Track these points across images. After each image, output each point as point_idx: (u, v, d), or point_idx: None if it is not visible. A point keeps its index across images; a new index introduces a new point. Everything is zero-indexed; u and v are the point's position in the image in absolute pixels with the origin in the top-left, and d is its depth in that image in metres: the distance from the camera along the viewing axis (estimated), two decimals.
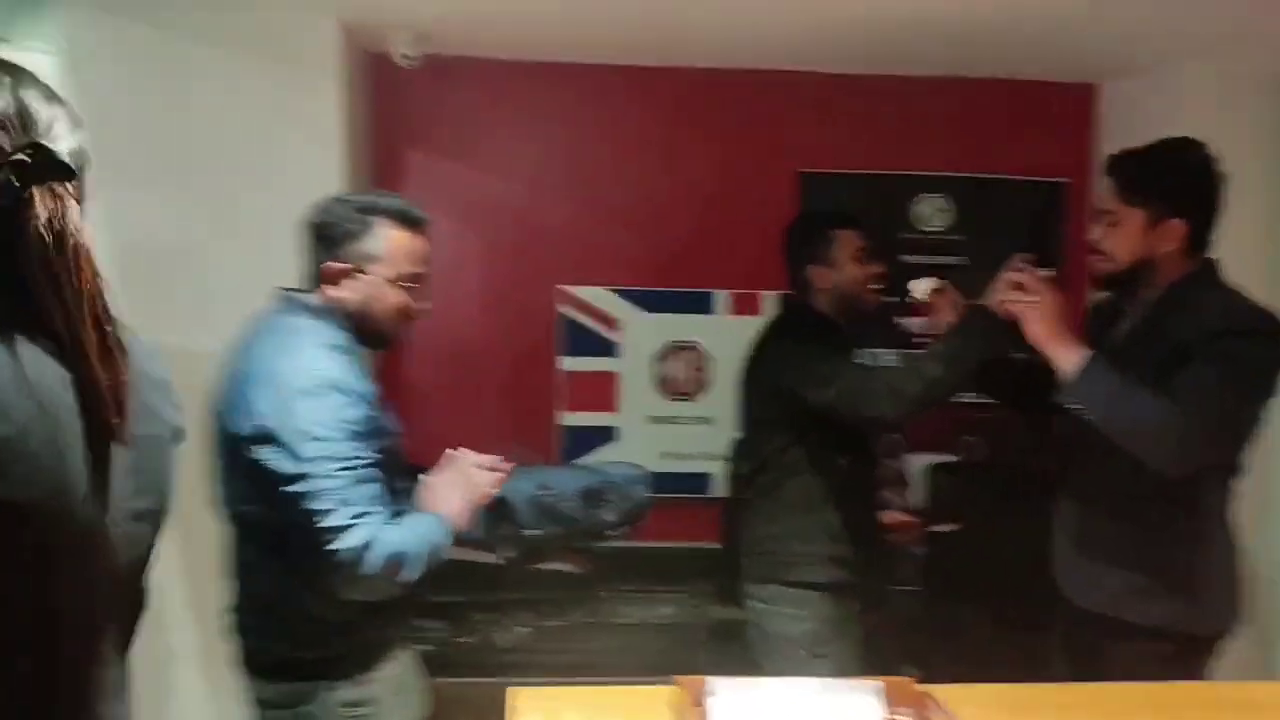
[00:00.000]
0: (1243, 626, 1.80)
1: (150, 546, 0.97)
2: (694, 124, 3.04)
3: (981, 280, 1.91)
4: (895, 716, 1.41)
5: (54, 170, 0.83)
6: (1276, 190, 2.77)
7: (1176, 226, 1.73)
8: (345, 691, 1.62)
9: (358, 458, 1.53)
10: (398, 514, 1.61)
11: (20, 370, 0.79)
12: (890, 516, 2.40)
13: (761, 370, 2.21)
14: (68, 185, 0.83)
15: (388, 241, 1.63)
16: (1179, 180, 1.74)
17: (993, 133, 3.09)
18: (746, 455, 2.26)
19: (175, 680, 2.67)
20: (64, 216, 0.81)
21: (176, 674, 2.67)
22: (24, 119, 0.84)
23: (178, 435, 1.02)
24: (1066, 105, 3.11)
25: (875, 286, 2.22)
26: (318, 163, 2.60)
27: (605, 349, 3.03)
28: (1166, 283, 1.77)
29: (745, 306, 3.01)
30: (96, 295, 0.83)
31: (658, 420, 3.06)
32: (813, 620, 2.09)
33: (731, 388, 2.37)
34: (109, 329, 0.84)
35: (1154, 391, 1.64)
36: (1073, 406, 1.69)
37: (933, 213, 3.11)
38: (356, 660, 1.64)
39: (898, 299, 2.28)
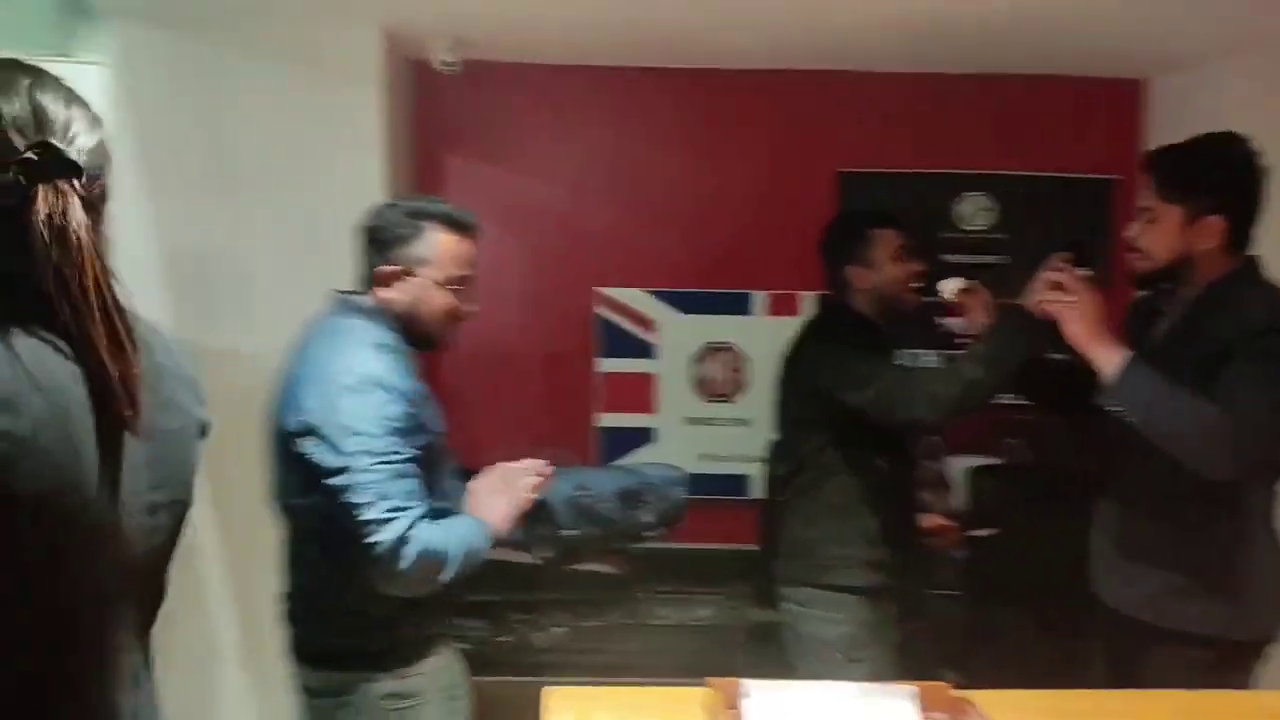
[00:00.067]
0: None
1: (170, 538, 0.99)
2: (732, 125, 3.03)
3: (1024, 280, 1.88)
4: None
5: (61, 168, 0.85)
6: None
7: (1216, 223, 1.69)
8: (386, 684, 1.66)
9: (396, 453, 1.56)
10: (440, 514, 1.64)
11: (25, 366, 0.81)
12: (928, 520, 2.37)
13: (798, 371, 2.20)
14: (74, 183, 0.85)
15: (436, 245, 1.69)
16: (1218, 176, 1.70)
17: (1037, 130, 3.03)
18: (783, 456, 2.25)
19: (220, 675, 2.73)
20: (66, 213, 0.83)
21: (221, 669, 2.73)
22: (38, 120, 0.86)
23: (202, 430, 1.04)
24: (1114, 101, 3.05)
25: (915, 286, 2.19)
26: (360, 169, 2.65)
27: (643, 350, 3.03)
28: (1206, 281, 1.73)
29: (783, 307, 2.99)
30: (104, 290, 0.85)
31: (695, 422, 3.06)
32: (848, 624, 2.07)
33: (769, 389, 2.37)
34: (118, 323, 0.85)
35: (1196, 393, 1.60)
36: (1113, 409, 1.65)
37: (975, 212, 3.07)
38: (398, 654, 1.68)
39: (936, 299, 2.25)
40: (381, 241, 1.71)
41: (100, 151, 0.92)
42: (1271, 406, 1.58)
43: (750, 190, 3.03)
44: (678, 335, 3.03)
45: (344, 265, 2.61)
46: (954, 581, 2.68)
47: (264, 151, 2.64)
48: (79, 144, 0.89)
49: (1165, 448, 1.62)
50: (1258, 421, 1.57)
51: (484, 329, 2.88)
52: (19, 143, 0.84)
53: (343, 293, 1.76)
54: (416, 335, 1.72)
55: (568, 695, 1.53)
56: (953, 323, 2.81)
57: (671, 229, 3.04)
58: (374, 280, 1.71)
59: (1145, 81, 3.06)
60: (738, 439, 3.01)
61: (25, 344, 0.82)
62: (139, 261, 2.63)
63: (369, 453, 1.54)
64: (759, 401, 2.87)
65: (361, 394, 1.57)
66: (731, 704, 1.42)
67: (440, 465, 1.72)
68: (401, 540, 1.52)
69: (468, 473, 1.89)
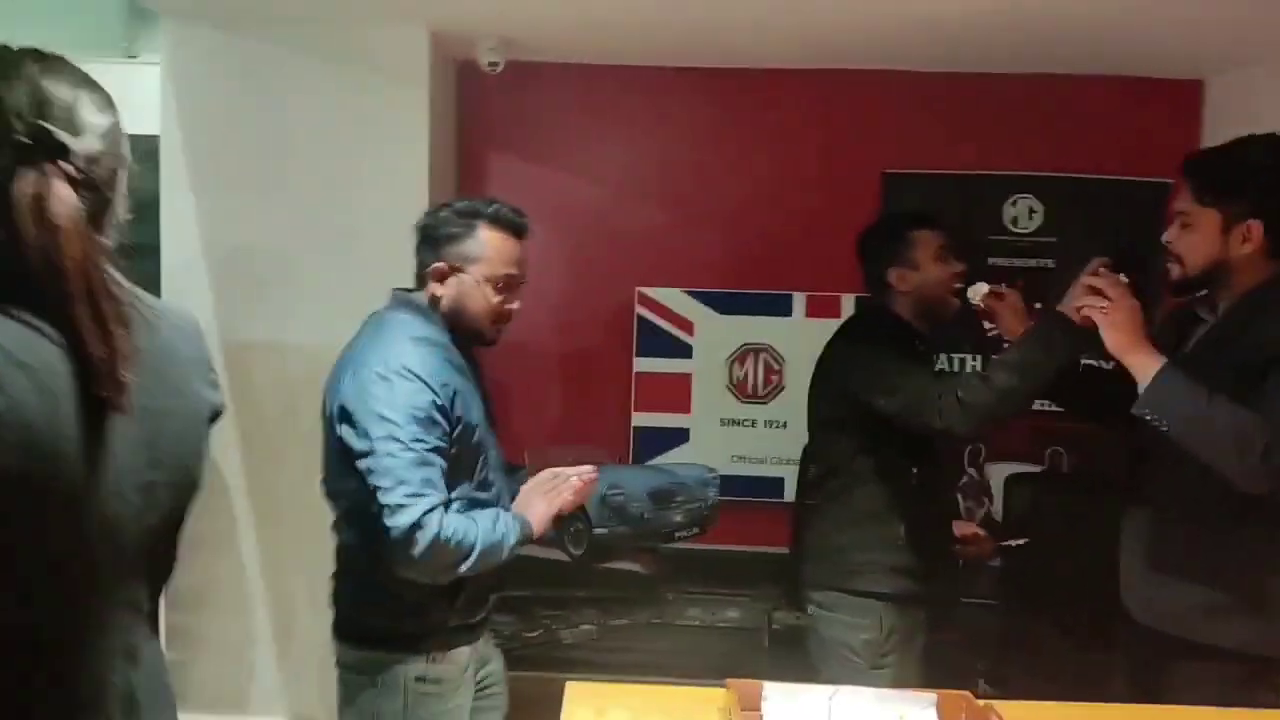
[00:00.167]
0: None
1: (170, 518, 1.00)
2: (776, 125, 3.02)
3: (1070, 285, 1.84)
4: None
5: (50, 151, 0.87)
6: None
7: (1254, 228, 1.64)
8: (416, 667, 1.71)
9: (419, 441, 1.61)
10: (477, 505, 1.71)
11: (6, 343, 0.82)
12: (960, 529, 2.32)
13: (831, 374, 2.17)
14: (65, 165, 0.87)
15: (485, 244, 1.74)
16: (1257, 179, 1.65)
17: (1090, 131, 2.96)
18: (814, 460, 2.23)
19: (255, 659, 2.79)
20: (50, 194, 0.85)
21: (256, 653, 2.79)
22: (39, 105, 0.88)
23: (214, 413, 1.05)
24: (1172, 102, 2.96)
25: (958, 286, 2.16)
26: (404, 167, 2.69)
27: (680, 350, 3.03)
28: (1245, 287, 1.68)
29: (824, 309, 2.96)
30: (90, 270, 0.86)
31: (730, 423, 3.04)
32: (874, 630, 2.04)
33: (806, 391, 2.34)
34: (104, 304, 0.87)
35: (1233, 402, 1.55)
36: (1147, 418, 1.61)
37: (1023, 214, 3.01)
38: (429, 640, 1.73)
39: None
40: (434, 239, 1.77)
41: (111, 135, 0.95)
42: None
43: (793, 191, 3.01)
44: (715, 336, 3.03)
45: (387, 261, 2.66)
46: (990, 590, 2.63)
47: (311, 149, 2.69)
48: (84, 127, 0.91)
49: (1201, 457, 1.57)
50: None
51: (524, 327, 2.92)
52: (17, 127, 0.86)
53: (400, 289, 1.83)
54: (464, 331, 1.77)
55: (588, 691, 1.54)
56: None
57: (713, 230, 3.04)
58: (426, 277, 1.77)
59: (1204, 82, 2.97)
60: (773, 441, 2.99)
61: (8, 323, 0.84)
62: (188, 255, 2.71)
63: (392, 438, 1.59)
64: (795, 403, 2.84)
65: (391, 382, 1.62)
66: (750, 706, 1.41)
67: (479, 457, 1.76)
68: (415, 526, 1.57)
69: (511, 468, 1.95)
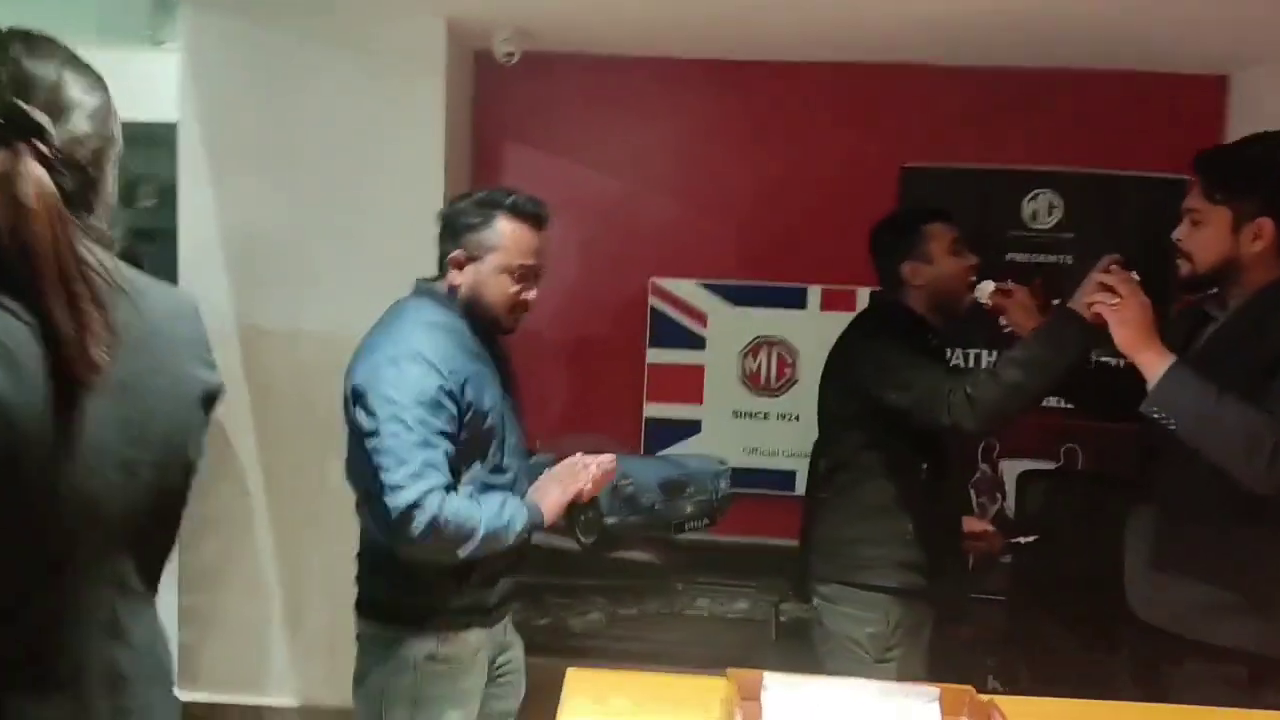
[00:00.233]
0: None
1: (159, 496, 1.00)
2: (793, 118, 3.00)
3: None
4: None
5: (22, 129, 0.87)
6: None
7: (1265, 226, 1.63)
8: (427, 645, 1.76)
9: (424, 424, 1.64)
10: (491, 489, 1.75)
11: None
12: (969, 525, 2.31)
13: (843, 368, 2.17)
14: (39, 144, 0.87)
15: (503, 234, 1.77)
16: (1268, 177, 1.63)
17: (1111, 126, 2.92)
18: (824, 453, 2.22)
19: (267, 642, 2.82)
20: (20, 173, 0.85)
21: (270, 633, 2.82)
22: (20, 85, 0.89)
23: (209, 394, 1.05)
24: (1196, 97, 2.92)
25: (973, 280, 2.14)
26: (420, 157, 2.71)
27: (693, 342, 3.02)
28: (1256, 285, 1.66)
29: (839, 302, 2.95)
30: (62, 250, 0.86)
31: (743, 415, 3.03)
32: (879, 624, 2.04)
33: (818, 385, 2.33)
34: (77, 284, 0.87)
35: (1243, 401, 1.53)
36: (1155, 416, 1.59)
37: (1042, 209, 2.98)
38: (439, 619, 1.77)
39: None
40: (454, 228, 1.80)
41: (98, 115, 0.95)
42: None
43: (810, 184, 3.00)
44: (728, 327, 3.02)
45: (402, 249, 2.68)
46: (1001, 587, 2.61)
47: (327, 138, 2.71)
48: (68, 106, 0.92)
49: (1209, 457, 1.56)
50: None
51: (537, 316, 2.94)
52: None
53: (424, 279, 1.87)
54: (481, 319, 1.80)
55: (588, 677, 1.54)
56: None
57: (728, 221, 3.03)
58: (445, 265, 1.80)
59: (1229, 77, 2.92)
60: (785, 434, 2.98)
61: None
62: (205, 241, 2.73)
63: (396, 419, 1.63)
64: (807, 397, 2.83)
65: (400, 366, 1.67)
66: (750, 696, 1.40)
67: (492, 442, 1.78)
68: (413, 506, 1.60)
69: (530, 455, 1.98)
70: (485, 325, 1.81)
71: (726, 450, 2.97)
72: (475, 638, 1.80)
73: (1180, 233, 1.73)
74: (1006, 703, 1.37)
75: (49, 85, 0.91)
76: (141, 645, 1.00)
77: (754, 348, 3.02)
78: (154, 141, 2.76)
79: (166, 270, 2.75)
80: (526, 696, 2.01)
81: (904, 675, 1.92)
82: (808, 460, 2.42)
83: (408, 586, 1.76)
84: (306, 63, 2.69)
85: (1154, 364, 1.61)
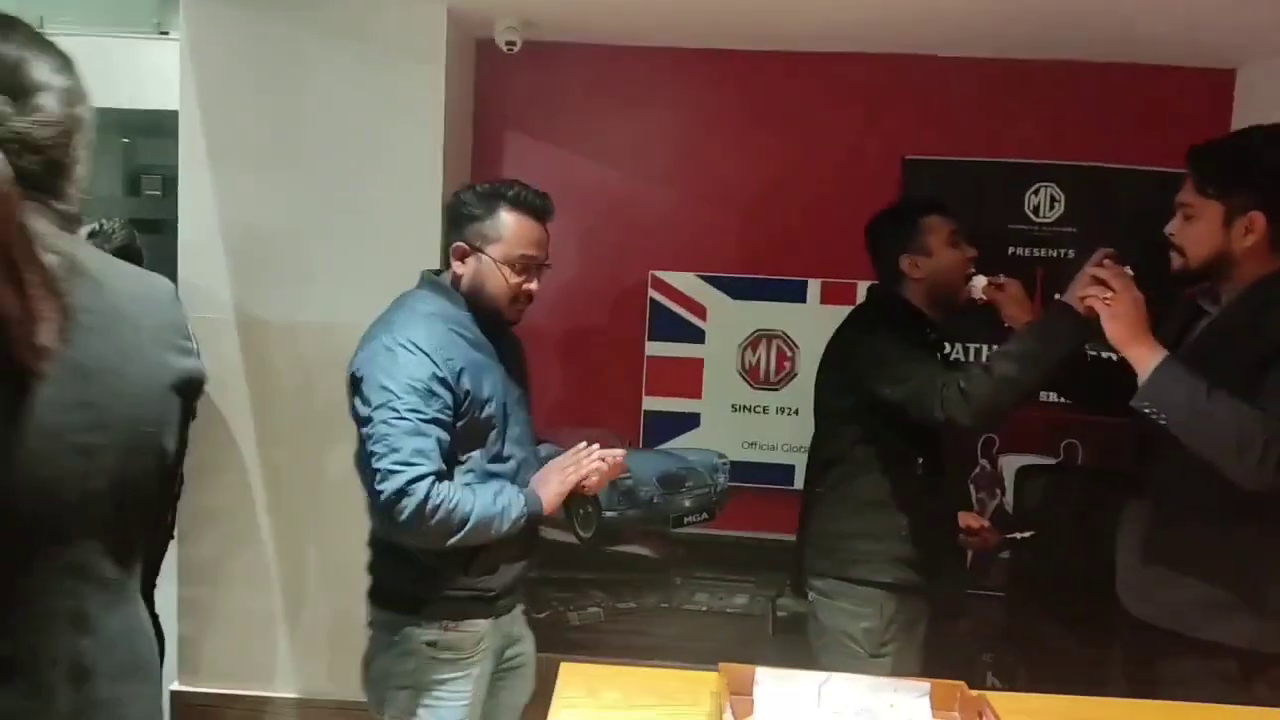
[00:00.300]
0: None
1: (126, 483, 0.99)
2: (794, 109, 2.98)
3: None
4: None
5: None
6: None
7: (1257, 220, 1.62)
8: (429, 632, 1.80)
9: (415, 412, 1.67)
10: (491, 477, 1.77)
11: None
12: (964, 520, 2.30)
13: (839, 361, 2.16)
14: None
15: (504, 226, 1.80)
16: (1259, 171, 1.63)
17: (1115, 119, 2.89)
18: (819, 447, 2.22)
19: (267, 635, 2.82)
20: None
21: (268, 629, 2.82)
22: None
23: (184, 381, 1.04)
24: (1201, 91, 2.89)
25: (970, 272, 2.14)
26: (421, 146, 2.70)
27: (692, 335, 3.02)
28: (1248, 280, 1.66)
29: (839, 296, 2.93)
30: (9, 233, 0.85)
31: (742, 409, 3.02)
32: (874, 619, 2.03)
33: None
34: (25, 266, 0.86)
35: (1234, 397, 1.53)
36: (1147, 411, 1.59)
37: (1044, 203, 2.96)
38: (442, 607, 1.80)
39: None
40: (457, 219, 1.84)
41: (65, 97, 0.95)
42: None
43: (811, 176, 2.98)
44: (728, 321, 3.00)
45: (402, 240, 2.69)
46: (1000, 582, 2.61)
47: (327, 127, 2.70)
48: (30, 88, 0.91)
49: (1200, 453, 1.56)
50: None
51: (536, 308, 2.94)
52: None
53: (430, 270, 1.90)
54: (483, 309, 1.82)
55: (581, 671, 1.54)
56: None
57: (728, 214, 3.01)
58: (450, 256, 1.84)
59: (1235, 72, 2.89)
60: (784, 428, 2.96)
61: None
62: (205, 231, 2.73)
63: (388, 406, 1.67)
64: (807, 391, 2.82)
65: (395, 354, 1.70)
66: (741, 690, 1.40)
67: (492, 431, 1.80)
68: (400, 492, 1.63)
69: (537, 445, 2.01)
70: (489, 316, 1.82)
71: (725, 444, 2.97)
72: (479, 627, 1.82)
73: (1172, 227, 1.74)
74: (997, 698, 1.36)
75: (9, 66, 0.91)
76: (113, 637, 0.99)
77: (753, 341, 3.01)
78: (161, 131, 2.75)
79: (168, 260, 2.76)
80: None
81: (899, 671, 1.92)
82: (806, 454, 2.42)
83: (410, 574, 1.79)
84: (307, 51, 2.68)
85: (1145, 359, 1.61)
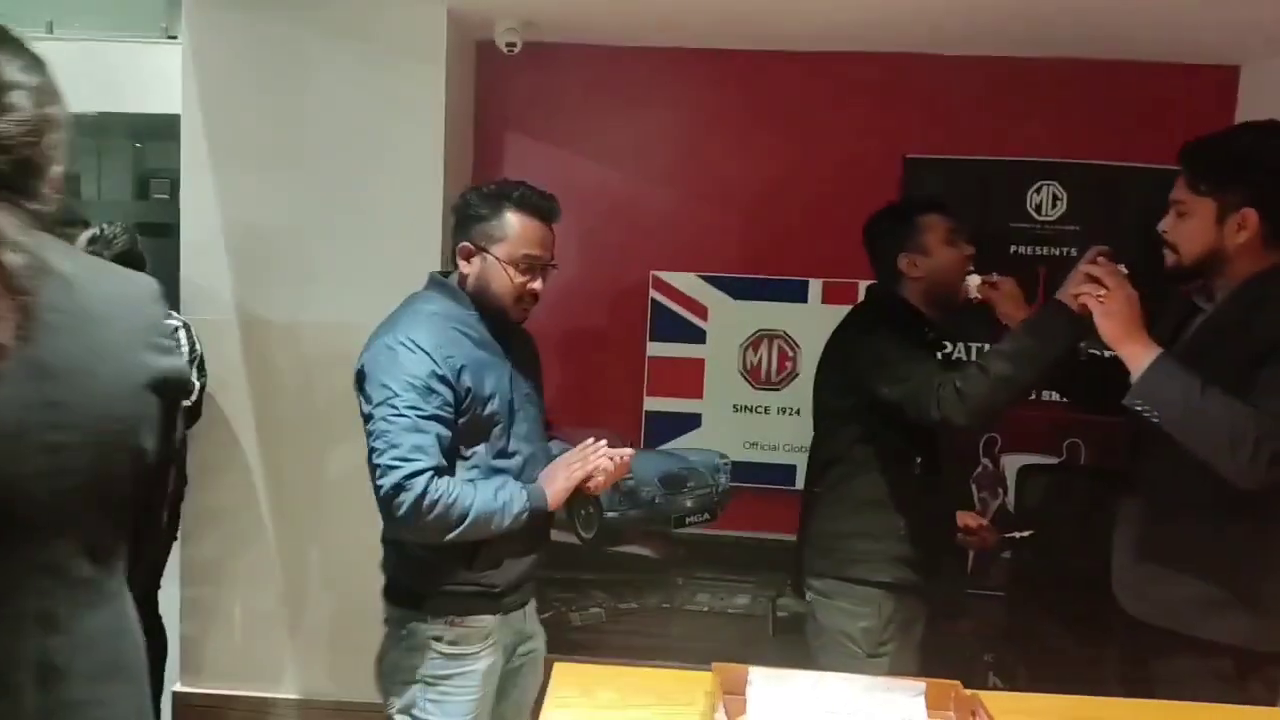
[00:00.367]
0: None
1: (99, 481, 0.98)
2: (796, 108, 2.97)
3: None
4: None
5: None
6: None
7: (1249, 217, 1.62)
8: (435, 627, 1.82)
9: (415, 409, 1.70)
10: (496, 473, 1.79)
11: None
12: (963, 519, 2.29)
13: (838, 360, 2.16)
14: None
15: (508, 226, 1.82)
16: (1251, 168, 1.63)
17: (1117, 117, 2.88)
18: (818, 447, 2.21)
19: (267, 635, 2.83)
20: None
21: (269, 629, 2.83)
22: None
23: (160, 380, 1.03)
24: (1205, 88, 2.87)
25: (969, 270, 2.13)
26: (421, 147, 2.71)
27: (694, 335, 3.01)
28: (1242, 277, 1.65)
29: (840, 296, 2.92)
30: None
31: (743, 409, 3.02)
32: (872, 618, 2.03)
33: None
34: None
35: (1229, 395, 1.52)
36: (1140, 409, 1.58)
37: (1046, 201, 2.95)
38: (446, 602, 1.82)
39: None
40: (463, 220, 1.86)
41: (36, 95, 0.94)
42: None
43: (812, 175, 2.97)
44: (729, 321, 3.00)
45: (403, 240, 2.70)
46: (1001, 582, 2.59)
47: (328, 128, 2.71)
48: (14, 83, 0.91)
49: (1193, 451, 1.55)
50: None
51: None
52: None
53: (438, 271, 1.93)
54: (489, 309, 1.84)
55: (575, 671, 1.54)
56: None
57: (729, 214, 3.01)
58: (456, 256, 1.86)
59: (1239, 69, 2.87)
60: (785, 428, 2.96)
61: None
62: (207, 233, 2.74)
63: (388, 404, 1.70)
64: (808, 391, 2.81)
65: (396, 352, 1.73)
66: (735, 690, 1.40)
67: (495, 427, 1.82)
68: (398, 487, 1.66)
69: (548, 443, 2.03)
70: (495, 315, 1.84)
71: (726, 444, 2.96)
72: (485, 623, 1.84)
73: (1166, 224, 1.73)
74: (991, 698, 1.35)
75: None
76: (90, 637, 0.98)
77: (755, 341, 3.00)
78: (169, 135, 2.77)
79: (175, 262, 2.77)
80: None
81: (896, 671, 1.91)
82: (807, 454, 2.41)
83: (416, 569, 1.82)
84: (307, 53, 2.69)
85: (1139, 356, 1.60)
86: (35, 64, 0.96)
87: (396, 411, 1.69)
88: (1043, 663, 2.39)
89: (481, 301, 1.83)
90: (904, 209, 2.18)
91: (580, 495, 1.90)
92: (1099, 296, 1.66)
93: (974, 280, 2.06)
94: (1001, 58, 2.85)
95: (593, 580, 2.79)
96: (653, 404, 3.02)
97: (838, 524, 2.10)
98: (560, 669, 1.54)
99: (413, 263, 2.67)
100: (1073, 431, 2.83)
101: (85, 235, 2.52)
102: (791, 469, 2.92)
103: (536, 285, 1.84)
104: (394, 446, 1.68)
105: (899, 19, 2.60)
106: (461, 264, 1.85)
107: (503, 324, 1.86)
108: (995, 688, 2.39)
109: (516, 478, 1.83)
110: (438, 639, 1.81)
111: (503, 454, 1.83)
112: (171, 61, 2.76)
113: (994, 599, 2.57)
